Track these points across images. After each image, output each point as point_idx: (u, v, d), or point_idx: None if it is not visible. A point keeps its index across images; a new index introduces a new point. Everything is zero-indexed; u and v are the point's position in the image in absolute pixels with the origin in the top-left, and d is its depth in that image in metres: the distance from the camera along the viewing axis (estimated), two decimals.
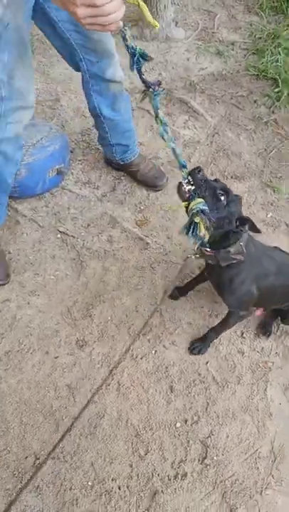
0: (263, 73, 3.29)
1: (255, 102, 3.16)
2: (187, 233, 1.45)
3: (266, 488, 1.78)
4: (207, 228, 1.44)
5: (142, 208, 2.63)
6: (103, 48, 2.03)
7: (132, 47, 1.36)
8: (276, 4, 3.85)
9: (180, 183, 1.51)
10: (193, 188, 1.50)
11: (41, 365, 2.06)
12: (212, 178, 1.65)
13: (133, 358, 2.09)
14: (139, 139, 2.89)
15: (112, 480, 1.80)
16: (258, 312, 2.22)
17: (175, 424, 1.92)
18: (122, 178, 2.74)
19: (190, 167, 1.53)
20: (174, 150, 1.46)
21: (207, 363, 2.09)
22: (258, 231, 1.66)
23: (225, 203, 1.57)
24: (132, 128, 2.53)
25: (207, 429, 1.91)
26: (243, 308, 1.96)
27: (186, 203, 1.49)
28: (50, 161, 2.52)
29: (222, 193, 1.57)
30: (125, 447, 1.87)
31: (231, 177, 2.77)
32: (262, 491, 1.77)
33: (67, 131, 2.89)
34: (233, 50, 3.52)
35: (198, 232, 1.43)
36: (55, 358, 2.09)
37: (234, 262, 1.70)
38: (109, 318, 2.22)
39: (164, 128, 1.44)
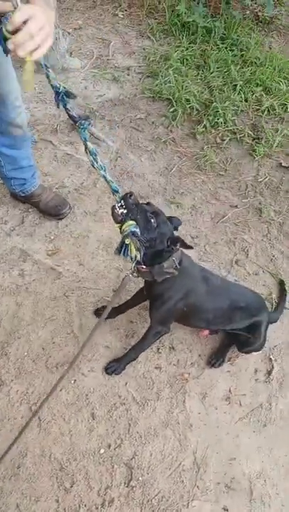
0: (158, 95, 3.40)
1: (153, 123, 3.26)
2: (119, 254, 1.53)
3: (192, 499, 1.80)
4: (138, 249, 1.52)
5: (52, 237, 2.63)
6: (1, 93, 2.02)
7: (56, 86, 1.40)
8: (166, 27, 4.01)
9: (113, 206, 1.60)
10: (125, 211, 1.58)
11: None
12: (145, 202, 1.76)
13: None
14: (44, 169, 2.91)
15: None
16: (204, 333, 2.26)
17: (99, 451, 1.91)
18: (30, 210, 2.73)
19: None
20: (104, 177, 1.55)
21: (126, 384, 2.10)
22: (189, 247, 1.75)
23: (155, 224, 1.66)
24: (30, 163, 2.53)
25: (130, 451, 1.91)
26: (163, 323, 2.02)
27: (119, 225, 1.58)
28: None
29: (152, 215, 1.67)
30: (50, 483, 1.83)
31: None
32: (188, 504, 1.79)
33: None
34: (128, 74, 3.62)
35: (129, 252, 1.51)
36: None
37: (168, 276, 1.78)
38: (25, 353, 2.19)
39: (93, 158, 1.51)
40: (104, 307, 2.32)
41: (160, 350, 2.21)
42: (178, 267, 1.77)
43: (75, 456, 1.90)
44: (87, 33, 3.97)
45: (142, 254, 1.55)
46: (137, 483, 1.83)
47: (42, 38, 1.19)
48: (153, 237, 1.66)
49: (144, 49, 3.87)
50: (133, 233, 1.52)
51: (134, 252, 1.51)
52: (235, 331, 2.12)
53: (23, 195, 2.63)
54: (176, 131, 3.21)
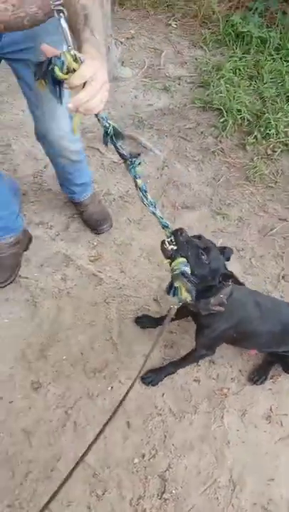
0: (209, 105, 3.41)
1: (202, 133, 3.27)
2: (168, 294, 1.50)
3: None
4: (188, 291, 1.48)
5: (95, 243, 2.67)
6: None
7: (106, 126, 1.33)
8: (219, 37, 4.03)
9: (163, 241, 1.57)
10: (175, 248, 1.55)
11: None
12: (196, 235, 1.72)
13: (89, 397, 2.09)
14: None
15: None
16: (252, 352, 2.24)
17: (133, 460, 1.90)
18: (75, 216, 2.78)
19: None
20: (154, 214, 1.50)
21: (163, 395, 2.09)
22: (240, 284, 1.71)
23: (207, 261, 1.61)
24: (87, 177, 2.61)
25: (165, 463, 1.90)
26: (209, 349, 2.00)
27: (169, 260, 1.54)
28: None
29: (203, 252, 1.62)
30: (82, 489, 1.84)
31: (182, 207, 2.83)
32: None
33: (19, 175, 2.95)
34: (179, 84, 3.66)
35: (179, 295, 1.47)
36: (10, 402, 2.08)
37: (214, 312, 1.73)
38: (64, 357, 2.22)
39: (143, 194, 1.46)
40: (145, 316, 2.33)
41: (199, 363, 2.19)
42: (225, 303, 1.70)
43: (109, 463, 1.90)
44: (140, 42, 4.05)
45: (193, 295, 1.50)
46: (170, 496, 1.81)
47: (103, 96, 1.17)
48: (204, 274, 1.61)
49: (196, 59, 3.90)
50: (183, 273, 1.48)
51: (184, 295, 1.47)
52: (284, 353, 2.08)
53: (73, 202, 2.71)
54: (226, 141, 3.21)
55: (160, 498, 1.81)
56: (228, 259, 1.76)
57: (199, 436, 1.97)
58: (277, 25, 4.01)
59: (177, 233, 1.57)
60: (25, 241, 2.58)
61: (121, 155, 1.42)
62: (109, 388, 2.11)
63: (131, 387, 1.46)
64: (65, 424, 2.00)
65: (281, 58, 3.76)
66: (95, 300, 2.42)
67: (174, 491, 1.83)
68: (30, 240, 2.61)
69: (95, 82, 1.11)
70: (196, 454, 1.92)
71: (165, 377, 2.13)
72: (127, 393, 1.44)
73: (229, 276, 1.67)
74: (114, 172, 3.01)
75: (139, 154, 1.49)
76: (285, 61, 3.74)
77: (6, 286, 2.44)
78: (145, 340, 2.27)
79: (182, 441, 1.96)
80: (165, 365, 2.13)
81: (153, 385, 2.11)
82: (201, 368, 2.17)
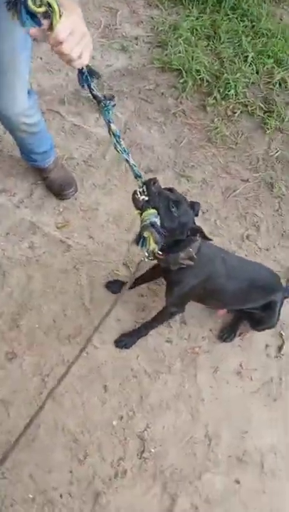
0: (168, 65, 3.25)
1: (162, 94, 3.12)
2: (137, 245, 1.45)
3: (204, 472, 1.77)
4: (156, 242, 1.43)
5: (61, 210, 2.53)
6: None
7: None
8: None
9: (135, 191, 1.50)
10: (147, 198, 1.48)
11: None
12: (168, 187, 1.66)
13: (64, 363, 2.02)
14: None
15: (53, 489, 1.74)
16: (220, 312, 2.21)
17: (112, 423, 1.88)
18: (39, 182, 2.62)
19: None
20: (127, 161, 1.44)
21: (138, 357, 2.05)
22: (208, 239, 1.69)
23: (176, 214, 1.57)
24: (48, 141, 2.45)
25: (143, 423, 1.88)
26: (179, 305, 1.97)
27: (140, 211, 1.49)
28: None
29: (174, 204, 1.56)
30: (64, 454, 1.80)
31: (145, 171, 2.72)
32: (200, 476, 1.77)
33: None
34: (137, 44, 3.45)
35: (147, 245, 1.43)
36: None
37: (183, 266, 1.70)
38: (37, 326, 2.13)
39: (116, 140, 1.40)
40: (115, 281, 2.26)
41: (171, 325, 2.15)
42: (194, 257, 1.69)
43: (88, 428, 1.87)
44: (94, 1, 3.78)
45: (160, 247, 1.47)
46: (150, 455, 1.80)
47: (87, 48, 1.18)
48: (173, 227, 1.57)
49: (152, 18, 3.68)
50: (152, 224, 1.43)
51: (152, 246, 1.43)
52: (251, 310, 2.07)
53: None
54: (186, 102, 3.08)
55: (140, 458, 1.80)
56: (196, 214, 1.72)
57: (174, 396, 1.96)
58: None
59: (150, 183, 1.51)
60: None
61: (95, 96, 1.36)
62: (85, 354, 2.05)
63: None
64: (41, 392, 1.94)
65: (237, 18, 3.60)
66: (64, 267, 2.32)
67: (152, 450, 1.82)
68: None
69: (73, 36, 1.10)
70: (173, 413, 1.92)
71: (138, 339, 2.09)
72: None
73: (198, 230, 1.65)
74: (76, 135, 2.85)
75: (113, 96, 1.40)
76: (241, 21, 3.58)
77: None
78: (117, 305, 2.20)
79: (158, 401, 1.94)
80: (137, 328, 2.08)
81: (127, 348, 2.07)
82: (172, 329, 2.14)
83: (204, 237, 1.66)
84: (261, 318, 2.04)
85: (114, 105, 1.39)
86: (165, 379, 2.00)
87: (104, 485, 1.73)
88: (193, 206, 1.71)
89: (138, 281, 2.18)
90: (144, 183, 1.50)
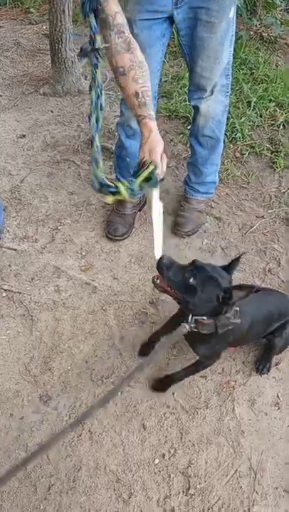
0: (175, 113, 3.49)
1: (171, 140, 3.33)
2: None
3: (253, 505, 1.79)
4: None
5: (84, 253, 2.65)
6: None
7: None
8: (174, 49, 4.13)
9: (153, 277, 1.67)
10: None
11: (8, 429, 1.98)
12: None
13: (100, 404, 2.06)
14: (69, 188, 2.96)
15: None
16: (231, 349, 2.23)
17: (154, 461, 1.90)
18: (60, 227, 2.76)
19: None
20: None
21: (174, 393, 2.10)
22: (246, 296, 1.56)
23: (195, 283, 1.56)
24: None
25: (185, 459, 1.91)
26: (213, 359, 2.00)
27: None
28: None
29: (189, 275, 1.57)
30: (108, 495, 1.82)
31: (163, 212, 2.86)
32: (249, 509, 1.78)
33: None
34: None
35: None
36: (21, 419, 2.02)
37: (231, 327, 1.65)
38: (69, 368, 2.19)
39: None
40: (147, 344, 2.21)
41: None
42: (238, 314, 1.65)
43: (130, 467, 1.89)
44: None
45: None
46: (196, 491, 1.82)
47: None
48: (199, 297, 1.57)
49: None
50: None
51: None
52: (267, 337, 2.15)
53: None
54: None
55: (186, 495, 1.82)
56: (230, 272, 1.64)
57: (214, 430, 1.99)
58: None
59: (159, 262, 1.60)
60: None
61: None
62: (120, 393, 2.10)
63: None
64: (80, 434, 1.97)
65: (236, 67, 3.89)
66: (91, 308, 2.41)
67: (198, 486, 1.84)
68: None
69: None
70: (214, 447, 1.94)
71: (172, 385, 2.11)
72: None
73: (229, 297, 1.55)
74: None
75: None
76: (240, 69, 3.88)
77: None
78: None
79: (198, 436, 1.98)
80: (171, 376, 2.09)
81: (163, 392, 2.11)
82: None
83: (244, 295, 1.54)
84: (277, 340, 2.11)
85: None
86: (203, 414, 2.04)
87: None
88: (230, 266, 1.63)
89: (155, 337, 2.17)
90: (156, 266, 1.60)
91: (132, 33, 1.82)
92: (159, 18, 2.15)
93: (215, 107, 2.46)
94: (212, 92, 2.38)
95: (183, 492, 1.82)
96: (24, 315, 2.38)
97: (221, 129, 2.59)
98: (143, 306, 2.42)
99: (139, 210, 2.82)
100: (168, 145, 3.31)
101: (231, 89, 3.66)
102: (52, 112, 3.57)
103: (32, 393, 2.10)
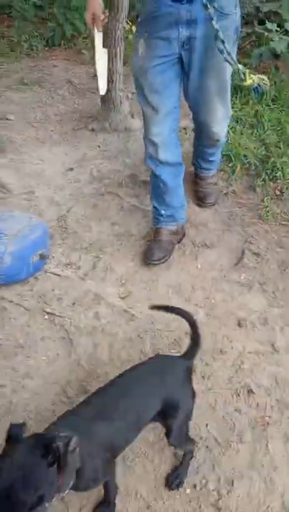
0: None
1: None
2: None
3: None
4: None
5: (123, 282, 2.73)
6: None
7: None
8: None
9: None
10: None
11: None
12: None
13: None
14: (112, 219, 3.08)
15: None
16: None
17: (185, 491, 1.90)
18: (101, 256, 2.86)
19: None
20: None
21: (207, 425, 2.10)
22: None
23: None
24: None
25: (216, 492, 1.90)
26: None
27: None
28: (33, 248, 2.64)
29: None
30: None
31: (202, 245, 2.93)
32: None
33: (44, 219, 3.03)
34: (186, 133, 3.82)
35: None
36: None
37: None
38: None
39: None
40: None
41: (239, 393, 2.21)
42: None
43: (161, 495, 1.89)
44: None
45: None
46: None
47: None
48: None
49: None
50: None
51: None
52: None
53: None
54: (236, 184, 3.36)
55: None
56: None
57: (247, 464, 1.98)
58: (272, 79, 4.28)
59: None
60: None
61: None
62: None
63: None
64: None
65: (278, 108, 3.99)
66: (129, 335, 2.46)
67: None
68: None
69: None
70: (246, 482, 1.93)
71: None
72: None
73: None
74: (135, 213, 3.12)
75: None
76: (281, 110, 3.97)
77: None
78: None
79: (230, 469, 1.96)
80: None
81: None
82: (240, 398, 2.20)
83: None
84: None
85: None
86: (236, 448, 2.02)
87: None
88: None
89: None
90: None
91: (146, 80, 2.40)
92: (170, 61, 2.41)
93: None
94: None
95: None
96: (64, 338, 2.45)
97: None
98: (178, 335, 2.45)
99: (178, 242, 2.90)
100: None
101: (272, 129, 3.79)
102: (99, 147, 3.74)
103: None
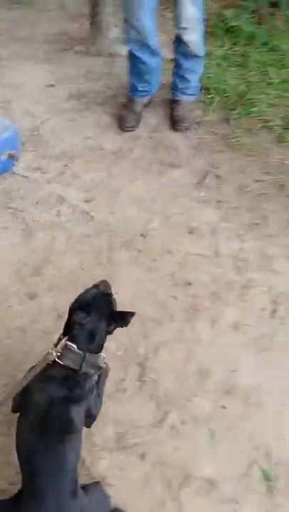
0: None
1: None
2: None
3: (194, 396, 2.21)
4: None
5: (88, 188, 3.16)
6: None
7: None
8: (210, 30, 4.64)
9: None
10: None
11: None
12: None
13: None
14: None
15: None
16: None
17: (117, 352, 2.34)
18: (70, 165, 3.28)
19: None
20: None
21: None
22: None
23: None
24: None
25: (143, 355, 2.35)
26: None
27: None
28: (3, 146, 3.05)
29: None
30: None
31: (169, 165, 3.35)
32: (191, 399, 2.20)
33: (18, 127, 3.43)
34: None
35: None
36: (8, 307, 2.51)
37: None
38: (57, 275, 2.67)
39: None
40: None
41: (179, 285, 2.65)
42: None
43: None
44: None
45: None
46: (148, 380, 2.25)
47: None
48: None
49: None
50: None
51: None
52: None
53: None
54: (212, 115, 3.76)
55: (139, 381, 2.25)
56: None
57: (174, 338, 2.42)
58: (266, 24, 4.67)
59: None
60: None
61: None
62: None
63: None
64: (57, 325, 2.43)
65: (267, 52, 4.39)
66: (86, 233, 2.90)
67: (150, 376, 2.27)
68: None
69: None
70: (171, 350, 2.36)
71: None
72: None
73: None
74: (110, 129, 3.56)
75: None
76: (269, 55, 4.36)
77: None
78: (133, 266, 2.72)
79: (159, 341, 2.41)
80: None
81: None
82: (178, 288, 2.64)
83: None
84: None
85: None
86: (167, 326, 2.47)
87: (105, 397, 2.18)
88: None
89: None
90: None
91: None
92: None
93: None
94: None
95: (136, 379, 2.26)
96: (24, 230, 2.89)
97: None
98: (133, 237, 2.87)
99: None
100: None
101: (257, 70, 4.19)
102: (82, 68, 4.13)
103: (20, 290, 2.59)
